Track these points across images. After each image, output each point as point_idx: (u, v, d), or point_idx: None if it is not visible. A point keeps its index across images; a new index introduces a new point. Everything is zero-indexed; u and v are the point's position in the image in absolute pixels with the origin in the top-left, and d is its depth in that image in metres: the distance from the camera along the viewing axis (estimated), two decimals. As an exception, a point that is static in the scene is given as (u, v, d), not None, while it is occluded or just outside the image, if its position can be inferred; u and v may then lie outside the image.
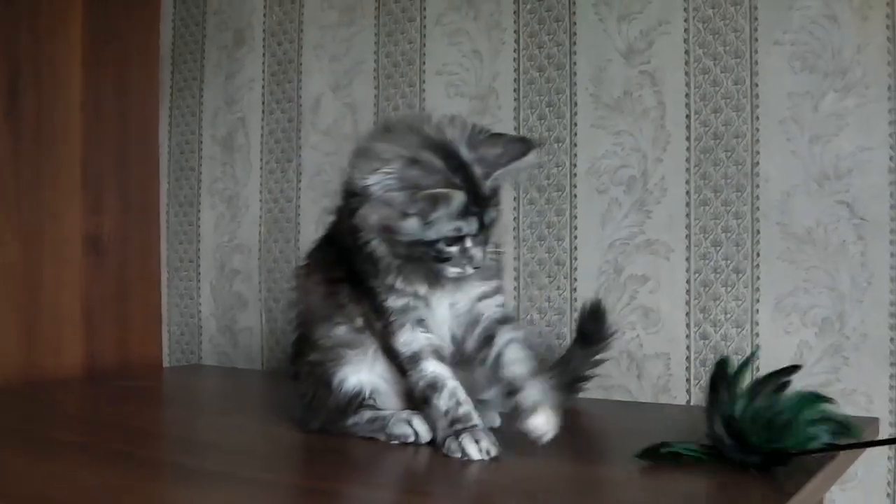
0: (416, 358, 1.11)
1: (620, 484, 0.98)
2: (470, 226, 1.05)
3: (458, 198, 1.02)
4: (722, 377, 1.00)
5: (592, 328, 1.37)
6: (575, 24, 1.57)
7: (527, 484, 0.96)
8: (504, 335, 1.13)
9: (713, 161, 1.46)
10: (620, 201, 1.53)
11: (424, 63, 1.73)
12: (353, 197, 1.08)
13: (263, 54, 1.94)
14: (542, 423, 1.04)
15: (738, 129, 1.44)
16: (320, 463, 1.12)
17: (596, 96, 1.55)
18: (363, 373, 1.17)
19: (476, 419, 1.07)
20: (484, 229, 1.07)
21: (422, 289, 1.12)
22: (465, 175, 1.04)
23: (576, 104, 1.57)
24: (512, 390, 1.08)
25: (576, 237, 1.56)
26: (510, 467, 1.01)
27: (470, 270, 1.07)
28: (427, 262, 1.07)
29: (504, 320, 1.15)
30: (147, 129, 2.05)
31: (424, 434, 1.12)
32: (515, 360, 1.10)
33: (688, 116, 1.48)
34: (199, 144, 2.03)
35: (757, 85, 1.43)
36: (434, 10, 1.72)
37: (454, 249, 1.05)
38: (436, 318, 1.14)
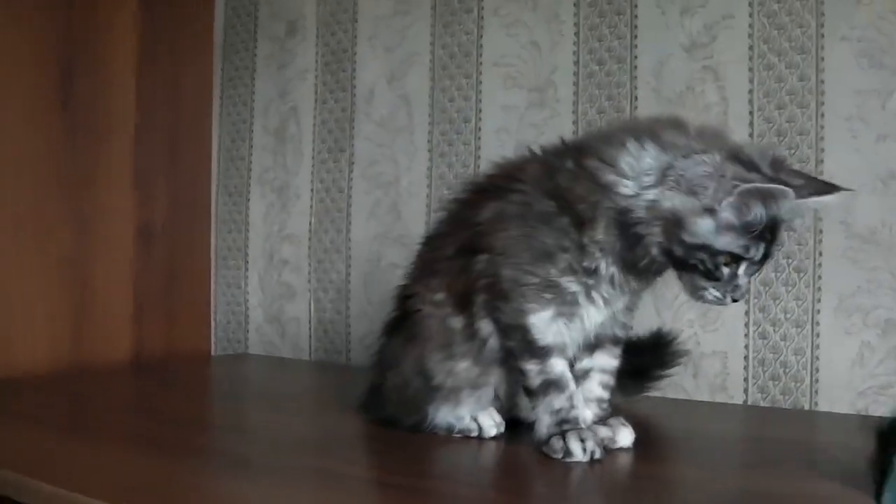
0: (547, 351, 1.04)
1: (694, 484, 0.96)
2: (756, 251, 0.95)
3: (790, 198, 0.91)
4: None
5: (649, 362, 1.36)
6: (636, 16, 1.55)
7: (589, 483, 0.95)
8: (604, 357, 1.10)
9: (776, 158, 1.44)
10: (680, 197, 1.50)
11: (481, 54, 1.72)
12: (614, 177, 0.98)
13: (317, 44, 1.93)
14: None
15: (802, 126, 1.42)
16: (375, 453, 1.12)
17: (657, 90, 1.53)
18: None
19: (583, 424, 1.04)
20: (763, 261, 0.98)
21: (611, 291, 1.03)
22: None
23: (636, 98, 1.55)
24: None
25: (633, 233, 1.54)
26: (573, 466, 1.00)
27: (728, 301, 0.99)
28: (691, 274, 0.98)
29: (616, 340, 1.11)
30: (199, 119, 2.05)
31: (488, 429, 1.11)
32: (594, 398, 1.09)
33: (751, 112, 1.46)
34: (250, 134, 2.03)
35: (823, 81, 1.40)
36: (492, 1, 1.70)
37: (727, 271, 0.96)
38: (593, 320, 1.06)
